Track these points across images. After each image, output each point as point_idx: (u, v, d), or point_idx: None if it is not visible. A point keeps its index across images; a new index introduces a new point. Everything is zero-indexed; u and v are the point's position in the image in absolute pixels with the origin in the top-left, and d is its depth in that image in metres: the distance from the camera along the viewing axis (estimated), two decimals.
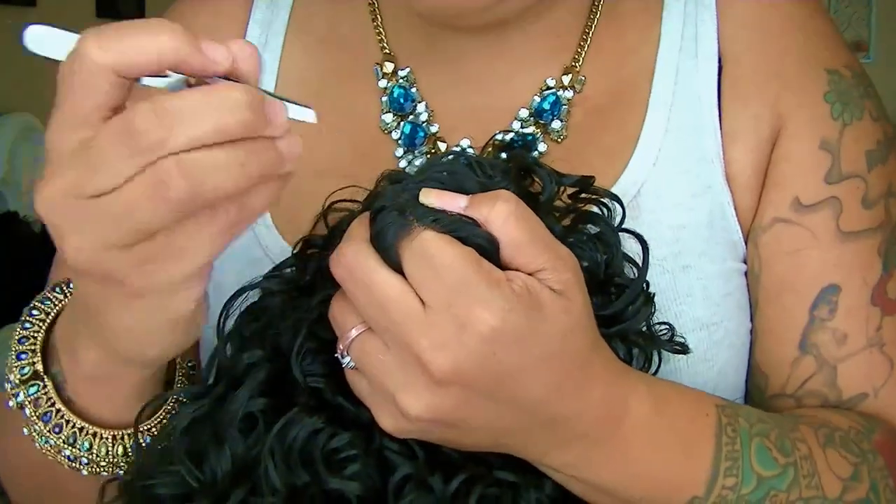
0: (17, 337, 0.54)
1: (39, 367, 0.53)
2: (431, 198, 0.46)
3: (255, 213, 0.42)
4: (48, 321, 0.55)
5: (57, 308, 0.56)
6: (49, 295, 0.56)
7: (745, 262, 0.64)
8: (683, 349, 0.57)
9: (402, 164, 0.64)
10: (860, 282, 0.62)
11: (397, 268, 0.45)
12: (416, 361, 0.44)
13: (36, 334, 0.54)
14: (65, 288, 0.57)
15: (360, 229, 0.47)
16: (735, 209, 0.63)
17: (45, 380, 0.53)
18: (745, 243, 0.64)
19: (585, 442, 0.49)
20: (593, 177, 0.56)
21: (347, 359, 0.48)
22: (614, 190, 0.61)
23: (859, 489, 0.57)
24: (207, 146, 0.38)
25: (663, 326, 0.57)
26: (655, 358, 0.56)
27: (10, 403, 0.54)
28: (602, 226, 0.54)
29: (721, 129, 0.63)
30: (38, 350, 0.54)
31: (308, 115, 0.43)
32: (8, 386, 0.54)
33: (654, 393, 0.52)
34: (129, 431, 0.54)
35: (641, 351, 0.55)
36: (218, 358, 0.53)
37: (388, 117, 0.66)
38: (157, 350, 0.48)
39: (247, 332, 0.53)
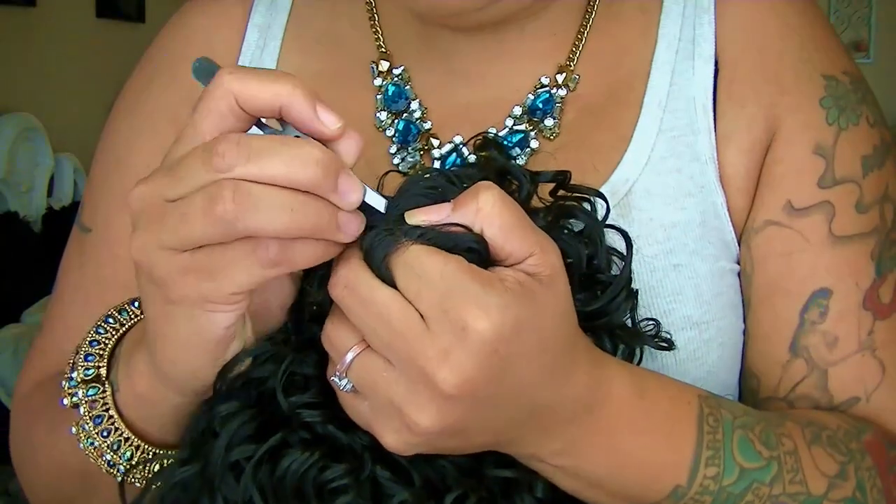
0: (88, 339, 0.57)
1: (103, 371, 0.56)
2: (417, 216, 0.47)
3: (294, 264, 0.45)
4: (121, 331, 0.58)
5: (132, 321, 0.58)
6: (126, 306, 0.59)
7: (738, 262, 0.64)
8: (668, 345, 0.57)
9: (396, 160, 0.65)
10: (852, 286, 0.62)
11: (390, 284, 0.45)
12: (422, 375, 0.44)
13: (107, 340, 0.57)
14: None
15: (352, 249, 0.48)
16: (728, 210, 0.63)
17: (105, 385, 0.56)
18: (739, 244, 0.64)
19: (571, 428, 0.49)
20: (568, 172, 0.56)
21: (344, 381, 0.48)
22: (604, 188, 0.61)
23: (845, 487, 0.57)
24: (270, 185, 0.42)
25: (649, 322, 0.57)
26: (639, 354, 0.56)
27: (66, 401, 0.56)
28: (584, 219, 0.54)
29: (716, 130, 0.63)
30: (105, 356, 0.56)
31: (380, 203, 0.47)
32: (67, 384, 0.56)
33: (636, 379, 0.52)
34: (168, 452, 0.56)
35: (626, 346, 0.55)
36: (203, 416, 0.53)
37: (383, 115, 0.66)
38: (186, 371, 0.50)
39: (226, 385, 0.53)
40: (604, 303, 0.53)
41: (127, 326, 0.58)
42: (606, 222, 0.56)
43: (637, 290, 0.55)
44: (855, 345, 0.62)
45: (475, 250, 0.46)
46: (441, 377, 0.44)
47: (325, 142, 0.45)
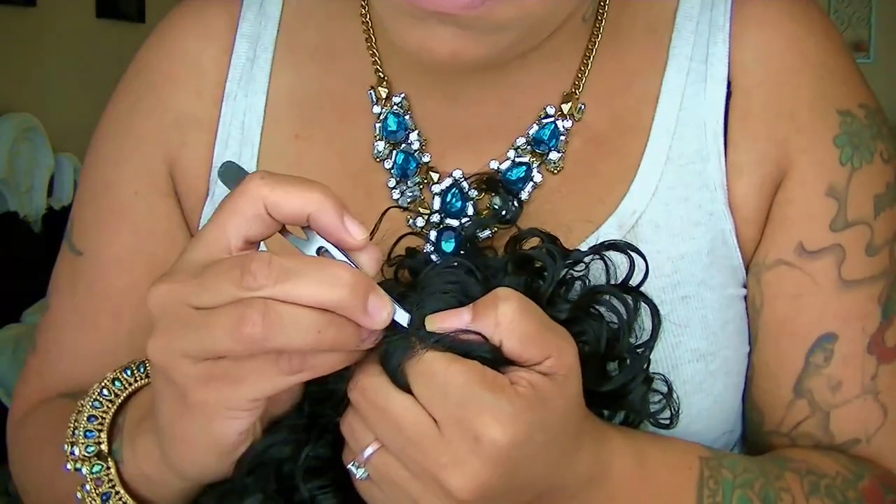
0: (86, 414, 0.57)
1: (104, 447, 0.56)
2: (437, 322, 0.48)
3: (316, 372, 0.45)
4: (117, 403, 0.57)
5: (127, 390, 0.58)
6: (119, 376, 0.58)
7: (744, 286, 0.64)
8: (670, 421, 0.56)
9: (396, 195, 0.63)
10: (858, 330, 0.62)
11: (406, 388, 0.47)
12: (436, 481, 0.46)
13: (104, 414, 0.57)
14: (135, 371, 0.59)
15: (370, 355, 0.49)
16: (737, 237, 0.62)
17: (109, 461, 0.55)
18: (746, 269, 0.63)
19: (575, 501, 0.51)
20: (605, 244, 0.56)
21: (361, 470, 0.49)
22: (611, 220, 0.60)
23: None
24: (299, 305, 0.43)
25: (660, 381, 0.56)
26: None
27: (69, 467, 0.56)
28: (614, 310, 0.54)
29: (726, 156, 0.62)
30: (104, 430, 0.56)
31: (404, 318, 0.47)
32: (70, 455, 0.56)
33: (637, 449, 0.53)
34: None
35: (626, 419, 0.55)
36: None
37: (381, 145, 0.64)
38: (196, 469, 0.51)
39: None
40: (616, 386, 0.53)
41: (123, 397, 0.57)
42: (640, 297, 0.55)
43: (654, 378, 0.55)
44: (857, 389, 0.62)
45: (487, 360, 0.47)
46: (455, 485, 0.45)
47: (348, 251, 0.46)
